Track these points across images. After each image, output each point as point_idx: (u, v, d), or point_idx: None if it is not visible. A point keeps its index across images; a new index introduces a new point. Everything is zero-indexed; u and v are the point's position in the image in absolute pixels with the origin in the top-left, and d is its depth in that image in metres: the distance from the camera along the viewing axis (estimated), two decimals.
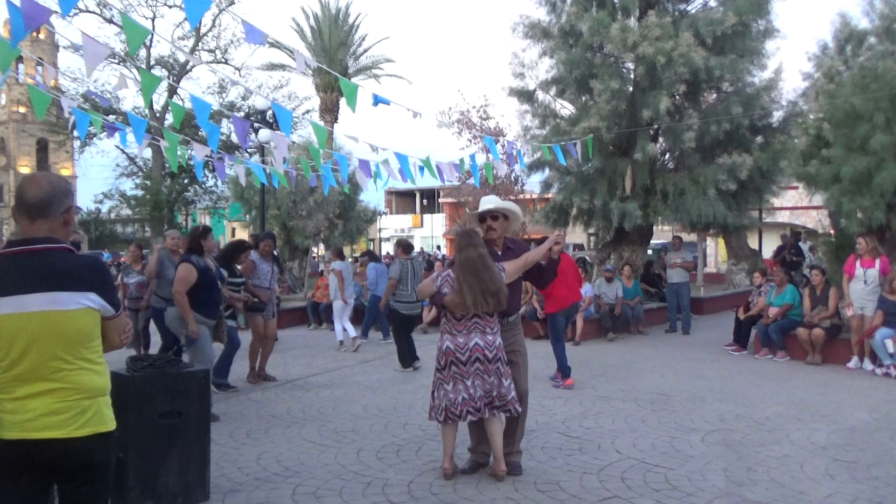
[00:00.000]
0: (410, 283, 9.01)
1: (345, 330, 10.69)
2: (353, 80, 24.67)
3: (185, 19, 31.84)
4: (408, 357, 8.96)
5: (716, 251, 31.62)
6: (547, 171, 16.27)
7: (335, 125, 26.99)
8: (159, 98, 29.78)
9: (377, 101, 6.47)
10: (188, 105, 23.22)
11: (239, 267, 7.79)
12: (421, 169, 8.70)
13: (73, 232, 7.57)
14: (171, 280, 7.50)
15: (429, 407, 4.82)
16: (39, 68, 37.40)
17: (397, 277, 9.05)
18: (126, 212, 37.91)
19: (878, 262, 8.92)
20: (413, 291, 8.98)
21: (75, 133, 31.26)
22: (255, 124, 15.53)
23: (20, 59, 39.90)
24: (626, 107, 14.21)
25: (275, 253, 8.70)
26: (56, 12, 4.25)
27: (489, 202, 5.06)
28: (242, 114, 27.98)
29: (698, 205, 13.94)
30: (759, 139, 15.05)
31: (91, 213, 41.86)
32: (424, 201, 56.99)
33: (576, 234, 28.29)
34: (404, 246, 9.62)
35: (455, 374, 4.59)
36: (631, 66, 14.75)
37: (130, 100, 49.42)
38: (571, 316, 8.97)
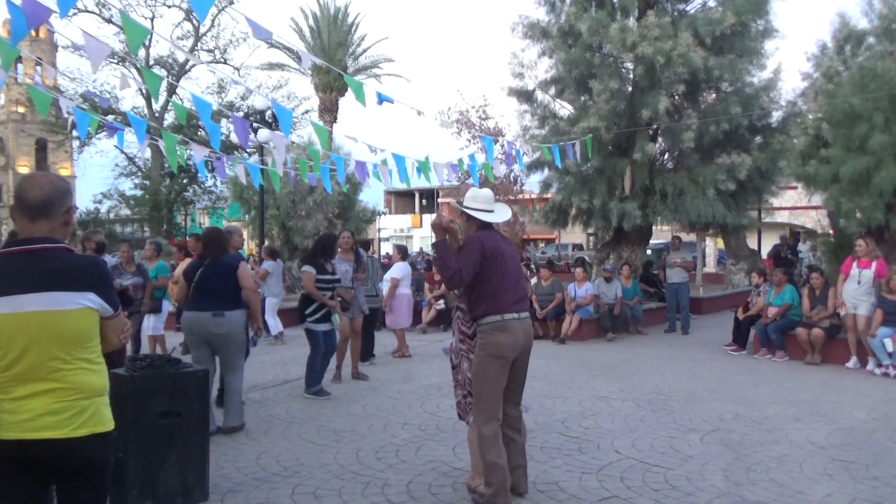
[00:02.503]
0: (370, 280, 9.20)
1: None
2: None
3: (184, 19, 31.89)
4: (364, 352, 9.14)
5: (714, 251, 31.63)
6: (546, 171, 16.29)
7: (334, 125, 26.99)
8: (158, 97, 29.74)
9: (381, 99, 6.58)
10: (188, 105, 23.20)
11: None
12: (418, 171, 8.71)
13: (96, 232, 7.48)
14: None
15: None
16: (38, 68, 37.39)
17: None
18: (125, 212, 37.87)
19: (874, 264, 8.94)
20: (373, 286, 9.25)
21: (74, 133, 31.24)
22: (255, 124, 15.54)
23: (19, 58, 39.90)
24: (626, 107, 14.23)
25: (358, 249, 8.68)
26: (56, 12, 4.26)
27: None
28: (241, 114, 27.98)
29: (697, 205, 13.96)
30: (758, 139, 15.08)
31: (90, 213, 41.82)
32: (424, 201, 57.05)
33: (575, 234, 28.31)
34: (363, 244, 10.08)
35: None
36: (630, 66, 14.77)
37: (129, 100, 49.47)
38: None
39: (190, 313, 5.90)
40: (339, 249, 8.24)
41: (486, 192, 4.51)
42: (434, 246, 4.24)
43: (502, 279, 4.21)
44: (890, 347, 8.31)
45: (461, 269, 4.10)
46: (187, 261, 10.51)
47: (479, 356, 4.20)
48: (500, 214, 4.47)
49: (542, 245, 43.81)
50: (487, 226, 4.39)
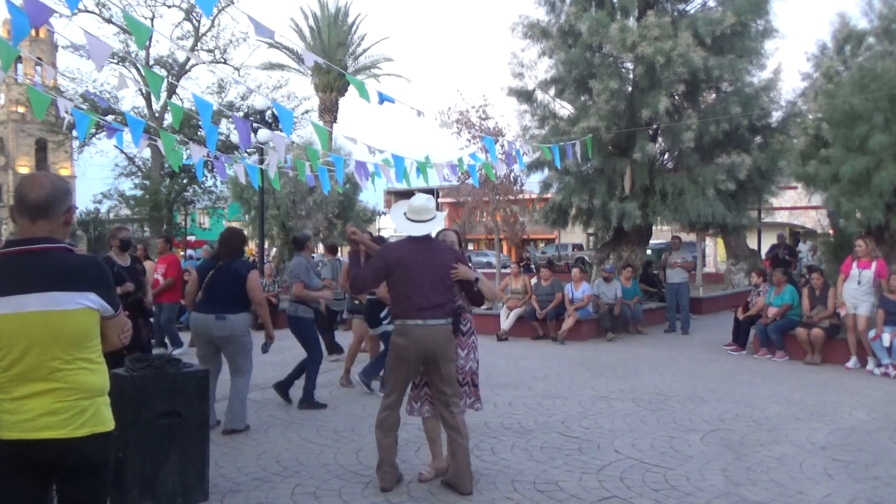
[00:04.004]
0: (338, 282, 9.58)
1: None
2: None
3: (184, 19, 31.86)
4: (329, 347, 9.62)
5: (714, 251, 31.65)
6: (546, 170, 16.30)
7: (334, 125, 27.02)
8: (160, 97, 29.68)
9: (382, 99, 6.62)
10: (188, 105, 23.18)
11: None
12: (418, 171, 8.71)
13: (121, 229, 7.55)
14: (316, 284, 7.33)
15: (476, 399, 4.88)
16: (38, 68, 37.38)
17: (330, 277, 9.63)
18: (125, 212, 37.85)
19: (874, 264, 8.94)
20: (338, 288, 9.55)
21: (73, 133, 31.22)
22: (255, 124, 15.54)
23: (19, 58, 39.90)
24: (626, 107, 14.23)
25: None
26: (57, 12, 4.26)
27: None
28: (241, 114, 27.97)
29: (697, 205, 13.96)
30: (758, 139, 15.08)
31: (90, 213, 41.77)
32: None
33: (575, 234, 28.31)
34: (329, 247, 10.61)
35: None
36: (630, 66, 14.77)
37: (129, 100, 49.48)
38: None
39: (196, 315, 5.99)
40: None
41: (417, 202, 4.55)
42: (348, 255, 4.64)
43: (405, 288, 4.40)
44: (886, 342, 8.32)
45: (357, 275, 4.58)
46: (148, 263, 10.56)
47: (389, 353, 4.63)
48: (418, 227, 4.51)
49: (542, 245, 43.80)
50: (419, 236, 4.49)
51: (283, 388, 7.08)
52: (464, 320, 4.75)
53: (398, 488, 4.53)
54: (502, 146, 15.87)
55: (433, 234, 4.68)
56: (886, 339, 8.33)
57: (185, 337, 11.57)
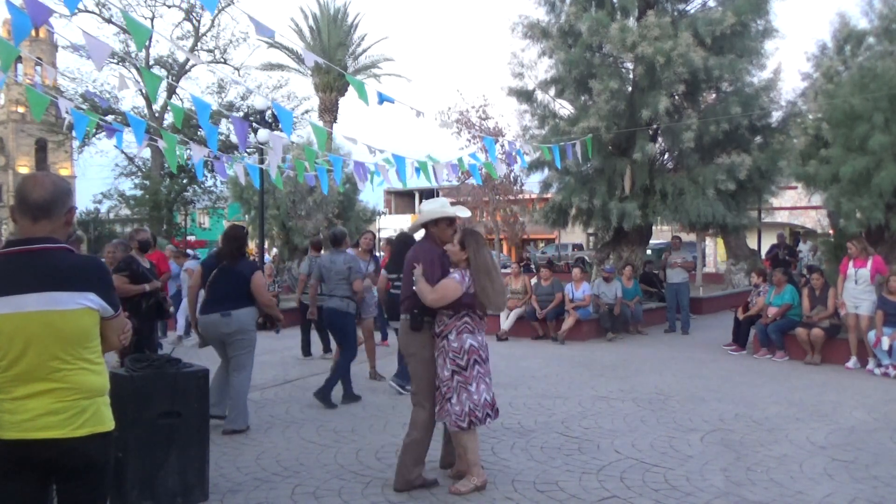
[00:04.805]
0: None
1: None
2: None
3: (184, 19, 31.86)
4: (305, 347, 9.96)
5: (714, 251, 31.65)
6: (546, 170, 16.31)
7: (334, 125, 27.01)
8: (158, 98, 29.66)
9: (382, 99, 6.63)
10: (188, 105, 23.17)
11: None
12: (418, 171, 8.70)
13: (140, 230, 7.55)
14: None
15: (447, 413, 4.41)
16: (38, 68, 37.37)
17: (307, 274, 9.33)
18: (125, 212, 37.85)
19: (869, 261, 8.93)
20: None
21: (73, 133, 31.18)
22: (254, 125, 15.54)
23: (19, 58, 39.87)
24: (626, 107, 14.24)
25: (373, 252, 9.01)
26: (57, 12, 4.27)
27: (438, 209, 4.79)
28: (241, 114, 27.97)
29: (697, 205, 13.97)
30: (758, 139, 15.10)
31: (90, 213, 41.77)
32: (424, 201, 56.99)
33: (575, 234, 28.31)
34: (315, 244, 10.52)
35: (478, 373, 4.44)
36: (630, 66, 14.79)
37: (129, 100, 49.46)
38: None
39: (202, 317, 6.03)
40: (358, 249, 8.28)
41: (423, 205, 4.83)
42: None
43: None
44: (886, 345, 8.32)
45: None
46: None
47: None
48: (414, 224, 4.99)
49: (542, 245, 43.82)
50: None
51: (345, 396, 7.13)
52: (439, 321, 4.49)
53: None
54: (502, 146, 15.88)
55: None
56: (886, 342, 8.33)
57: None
